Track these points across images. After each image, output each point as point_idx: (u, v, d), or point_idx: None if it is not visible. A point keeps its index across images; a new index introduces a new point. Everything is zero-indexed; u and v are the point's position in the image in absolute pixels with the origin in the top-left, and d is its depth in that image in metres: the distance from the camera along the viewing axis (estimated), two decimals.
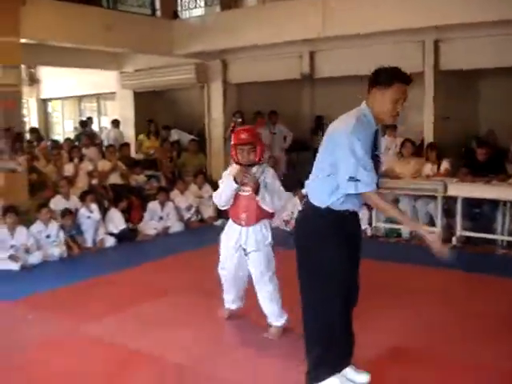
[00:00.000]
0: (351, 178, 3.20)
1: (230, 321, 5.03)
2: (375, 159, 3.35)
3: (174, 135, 12.54)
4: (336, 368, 3.53)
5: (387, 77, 3.26)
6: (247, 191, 4.51)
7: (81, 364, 4.21)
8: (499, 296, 5.63)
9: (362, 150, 3.19)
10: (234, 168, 4.61)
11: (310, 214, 3.49)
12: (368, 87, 3.35)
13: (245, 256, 4.60)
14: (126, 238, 8.38)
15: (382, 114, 3.32)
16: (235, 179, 4.44)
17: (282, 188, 4.63)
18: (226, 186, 4.53)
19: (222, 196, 4.60)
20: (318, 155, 3.47)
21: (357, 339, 3.61)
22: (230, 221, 4.72)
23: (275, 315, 4.63)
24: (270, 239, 4.61)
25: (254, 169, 4.51)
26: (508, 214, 7.56)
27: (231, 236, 4.66)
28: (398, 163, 8.58)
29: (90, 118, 14.36)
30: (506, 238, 7.57)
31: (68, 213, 7.81)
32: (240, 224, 4.59)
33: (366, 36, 9.14)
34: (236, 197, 4.56)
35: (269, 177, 4.54)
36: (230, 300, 4.98)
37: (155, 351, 4.39)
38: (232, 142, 4.57)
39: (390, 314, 5.03)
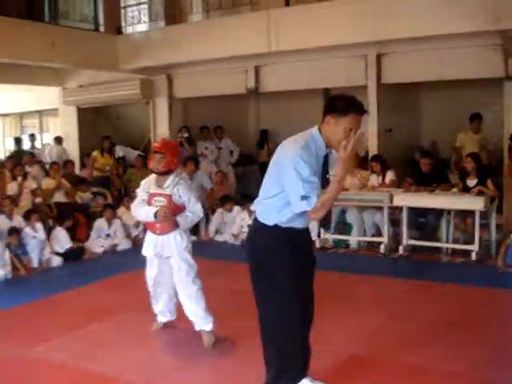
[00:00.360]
0: (303, 197, 3.18)
1: (182, 338, 4.98)
2: (326, 182, 3.35)
3: (119, 151, 12.38)
4: (294, 380, 3.54)
5: (343, 106, 3.24)
6: (161, 201, 4.71)
7: None
8: (445, 301, 5.78)
9: (307, 170, 3.17)
10: (151, 178, 4.88)
11: (260, 231, 3.51)
12: (323, 113, 3.33)
13: (165, 260, 4.82)
14: (72, 256, 8.19)
15: (333, 141, 3.28)
16: (155, 214, 4.63)
17: (195, 202, 4.78)
18: (145, 213, 4.75)
19: (139, 216, 4.99)
20: (267, 173, 3.48)
21: (312, 349, 3.64)
22: (148, 231, 4.93)
23: (200, 318, 4.72)
24: (185, 244, 4.76)
25: (169, 180, 4.74)
26: (452, 222, 7.78)
27: (149, 245, 4.86)
28: None
29: (32, 135, 14.07)
30: (451, 245, 7.76)
31: (14, 231, 7.60)
32: (155, 233, 4.79)
33: (310, 51, 9.28)
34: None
35: (183, 192, 4.72)
36: (158, 310, 5.13)
37: (107, 371, 4.30)
38: None
39: (342, 323, 5.09)
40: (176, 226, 4.67)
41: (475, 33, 7.85)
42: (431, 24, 7.86)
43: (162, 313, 5.14)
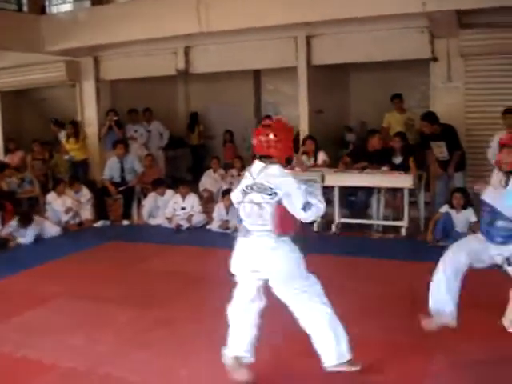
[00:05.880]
0: None
1: (121, 323, 4.90)
2: None
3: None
4: None
5: None
6: None
7: None
8: (376, 276, 5.95)
9: None
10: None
11: None
12: None
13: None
14: None
15: None
16: None
17: None
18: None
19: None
20: None
21: None
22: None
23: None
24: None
25: None
26: (382, 200, 7.99)
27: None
28: None
29: None
30: (381, 222, 7.98)
31: None
32: None
33: (240, 32, 9.22)
34: None
35: None
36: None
37: (45, 358, 4.21)
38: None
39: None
40: None
41: (402, 15, 8.02)
42: (360, 6, 7.96)
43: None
